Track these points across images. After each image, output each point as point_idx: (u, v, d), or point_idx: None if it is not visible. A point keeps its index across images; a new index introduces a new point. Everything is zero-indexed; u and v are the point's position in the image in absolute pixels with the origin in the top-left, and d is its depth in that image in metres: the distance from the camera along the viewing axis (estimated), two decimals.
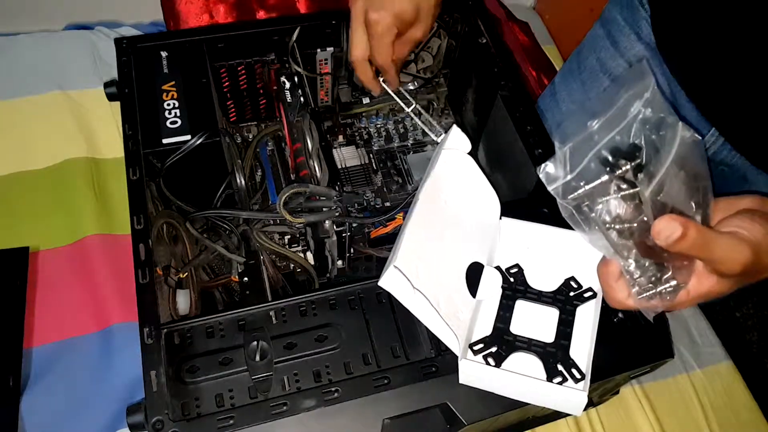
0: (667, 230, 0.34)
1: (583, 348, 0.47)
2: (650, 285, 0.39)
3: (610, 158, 0.37)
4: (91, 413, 0.66)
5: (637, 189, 0.36)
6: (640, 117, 0.37)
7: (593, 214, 0.37)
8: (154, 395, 0.45)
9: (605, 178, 0.37)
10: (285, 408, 0.45)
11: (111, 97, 0.64)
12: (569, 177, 0.37)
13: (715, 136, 0.62)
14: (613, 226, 0.37)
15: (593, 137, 0.37)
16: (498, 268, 0.52)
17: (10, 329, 0.69)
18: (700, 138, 0.37)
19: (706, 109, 0.62)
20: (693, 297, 0.39)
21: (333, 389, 0.46)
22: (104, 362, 0.69)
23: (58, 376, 0.68)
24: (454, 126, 0.54)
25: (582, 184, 0.37)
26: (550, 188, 0.38)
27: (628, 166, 0.36)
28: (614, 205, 0.37)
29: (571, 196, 0.38)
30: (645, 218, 0.36)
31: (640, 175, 0.36)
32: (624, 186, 0.37)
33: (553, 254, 0.52)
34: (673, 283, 0.38)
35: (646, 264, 0.38)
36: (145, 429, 0.44)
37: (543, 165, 0.38)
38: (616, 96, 0.38)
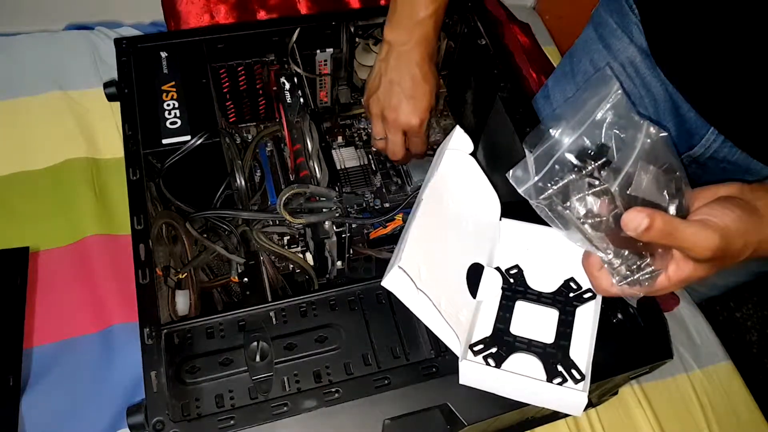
0: (634, 221, 0.36)
1: (582, 349, 0.47)
2: (629, 273, 0.41)
3: (574, 159, 0.39)
4: (91, 413, 0.66)
5: (607, 185, 0.39)
6: (608, 120, 0.39)
7: (567, 212, 0.40)
8: (155, 396, 0.45)
9: (572, 177, 0.39)
10: (285, 408, 0.45)
11: (111, 98, 0.64)
12: (536, 179, 0.40)
13: (715, 135, 0.62)
14: (586, 221, 0.39)
15: (559, 141, 0.40)
16: (498, 269, 0.52)
17: (10, 329, 0.69)
18: (666, 133, 0.39)
19: (704, 110, 0.62)
20: (674, 282, 0.41)
21: (333, 390, 0.46)
22: (104, 362, 0.69)
23: (58, 376, 0.68)
24: (457, 127, 0.54)
25: (550, 185, 0.40)
26: (520, 190, 0.41)
27: (594, 165, 0.39)
28: (586, 201, 0.39)
29: (542, 196, 0.40)
30: (618, 211, 0.38)
31: (604, 172, 0.39)
32: (595, 183, 0.39)
33: (553, 255, 0.52)
34: (650, 269, 0.40)
35: (625, 253, 0.40)
36: (146, 429, 0.44)
37: (512, 169, 0.41)
38: (581, 101, 0.40)
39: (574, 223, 0.40)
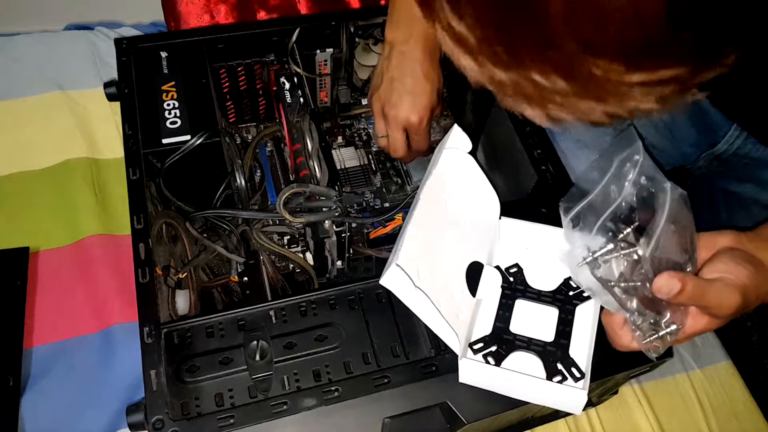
0: (667, 286, 0.38)
1: (582, 347, 0.47)
2: (652, 331, 0.42)
3: (612, 226, 0.41)
4: (91, 413, 0.66)
5: (636, 248, 0.40)
6: (632, 180, 0.41)
7: (598, 275, 0.41)
8: (154, 395, 0.45)
9: (611, 246, 0.41)
10: (285, 407, 0.45)
11: (111, 97, 0.64)
12: (587, 260, 0.42)
13: (738, 131, 0.62)
14: (618, 284, 0.41)
15: (594, 205, 0.42)
16: (498, 267, 0.52)
17: (10, 329, 0.69)
18: (686, 192, 0.41)
19: (726, 107, 0.61)
20: (689, 334, 0.43)
21: (333, 388, 0.46)
22: (104, 362, 0.69)
23: (58, 376, 0.68)
24: (455, 126, 0.54)
25: (590, 253, 0.41)
26: (564, 262, 0.44)
27: (629, 230, 0.41)
28: (617, 265, 0.41)
29: (580, 264, 0.42)
30: (644, 272, 0.40)
31: (642, 239, 0.40)
32: (623, 245, 0.41)
33: (553, 254, 0.52)
34: (673, 327, 0.42)
35: (646, 311, 0.42)
36: (146, 428, 0.44)
37: (558, 246, 0.43)
38: (608, 162, 0.42)
39: (604, 285, 0.41)
